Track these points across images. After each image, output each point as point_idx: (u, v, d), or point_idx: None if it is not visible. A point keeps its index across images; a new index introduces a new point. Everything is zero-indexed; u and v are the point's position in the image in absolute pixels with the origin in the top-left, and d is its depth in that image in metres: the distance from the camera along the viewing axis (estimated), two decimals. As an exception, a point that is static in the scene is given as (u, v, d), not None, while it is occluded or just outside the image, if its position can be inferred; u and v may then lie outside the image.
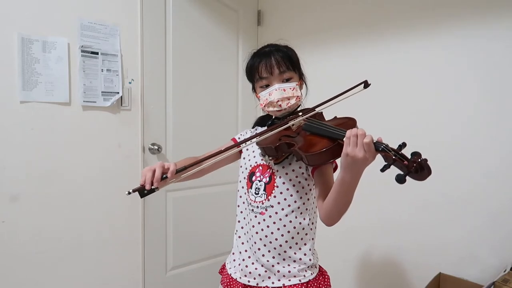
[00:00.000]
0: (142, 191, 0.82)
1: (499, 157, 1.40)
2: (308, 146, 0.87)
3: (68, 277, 1.63)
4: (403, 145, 0.72)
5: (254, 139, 0.92)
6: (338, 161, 0.87)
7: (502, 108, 1.38)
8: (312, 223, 1.05)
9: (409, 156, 0.70)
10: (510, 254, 1.37)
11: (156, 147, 1.83)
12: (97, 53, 1.64)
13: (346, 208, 0.87)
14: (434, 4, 1.54)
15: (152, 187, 0.82)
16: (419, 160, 0.67)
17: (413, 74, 1.61)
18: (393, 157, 0.70)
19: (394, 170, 0.71)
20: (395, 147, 0.72)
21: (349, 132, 0.76)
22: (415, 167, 0.67)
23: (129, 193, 0.80)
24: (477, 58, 1.44)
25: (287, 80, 1.02)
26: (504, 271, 1.29)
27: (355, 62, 1.82)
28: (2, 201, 1.45)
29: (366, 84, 1.01)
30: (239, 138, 1.17)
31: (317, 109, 0.98)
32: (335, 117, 1.01)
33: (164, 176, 0.84)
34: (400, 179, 0.68)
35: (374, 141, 0.75)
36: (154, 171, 0.84)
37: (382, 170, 0.71)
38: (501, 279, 1.25)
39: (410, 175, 0.68)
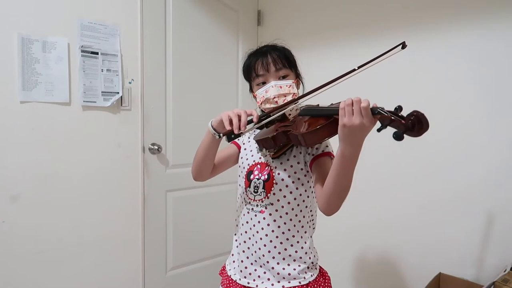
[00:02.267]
0: (230, 135, 0.85)
1: (499, 156, 1.39)
2: (305, 127, 0.86)
3: (68, 277, 1.63)
4: (399, 108, 0.70)
5: (257, 125, 0.92)
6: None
7: (502, 107, 1.38)
8: (312, 221, 1.05)
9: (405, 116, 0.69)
10: (510, 254, 1.36)
11: (156, 147, 1.83)
12: (97, 53, 1.64)
13: (346, 191, 0.83)
14: (434, 4, 1.54)
15: (240, 131, 0.84)
16: (416, 113, 0.66)
17: (413, 74, 1.61)
18: (391, 117, 0.69)
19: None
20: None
21: (343, 103, 0.74)
22: (412, 121, 0.65)
23: (220, 136, 0.85)
24: (476, 58, 1.44)
25: (284, 78, 1.02)
26: (504, 271, 1.29)
27: (355, 62, 1.81)
28: (2, 201, 1.45)
29: (403, 45, 0.99)
30: (238, 139, 1.16)
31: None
32: (331, 104, 1.00)
33: (249, 119, 0.86)
34: (398, 136, 0.66)
35: (370, 106, 0.73)
36: (239, 116, 0.86)
37: (379, 130, 0.70)
38: (501, 279, 1.25)
39: (407, 132, 0.67)
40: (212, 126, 0.96)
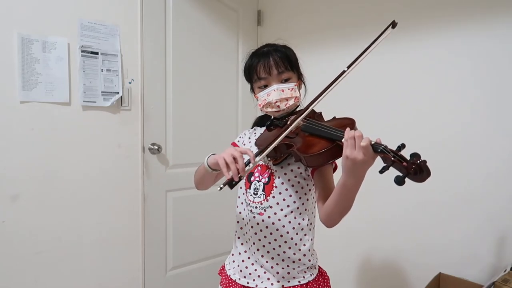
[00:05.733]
0: (231, 183, 0.82)
1: (499, 157, 1.39)
2: (306, 147, 0.87)
3: (68, 277, 1.63)
4: (402, 146, 0.72)
5: (264, 154, 0.89)
6: (338, 161, 0.86)
7: (502, 108, 1.38)
8: (311, 224, 1.05)
9: (408, 157, 0.69)
10: (510, 254, 1.36)
11: (156, 147, 1.83)
12: (97, 53, 1.64)
13: (347, 210, 0.87)
14: (434, 4, 1.54)
15: (239, 176, 0.82)
16: (418, 161, 0.67)
17: (414, 74, 1.61)
18: (392, 158, 0.70)
19: (393, 172, 0.71)
20: (394, 148, 0.72)
21: (346, 135, 0.76)
22: (414, 169, 0.66)
23: (221, 188, 0.80)
24: (478, 58, 1.43)
25: (286, 81, 1.01)
26: (504, 271, 1.29)
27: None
28: (2, 201, 1.45)
29: (394, 25, 0.97)
30: (238, 141, 1.16)
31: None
32: (334, 117, 1.01)
33: (246, 161, 0.84)
34: (399, 181, 0.67)
35: (373, 142, 0.74)
36: (236, 160, 0.83)
37: (381, 171, 0.70)
38: (501, 279, 1.25)
39: (409, 177, 0.68)
40: (208, 165, 0.95)
